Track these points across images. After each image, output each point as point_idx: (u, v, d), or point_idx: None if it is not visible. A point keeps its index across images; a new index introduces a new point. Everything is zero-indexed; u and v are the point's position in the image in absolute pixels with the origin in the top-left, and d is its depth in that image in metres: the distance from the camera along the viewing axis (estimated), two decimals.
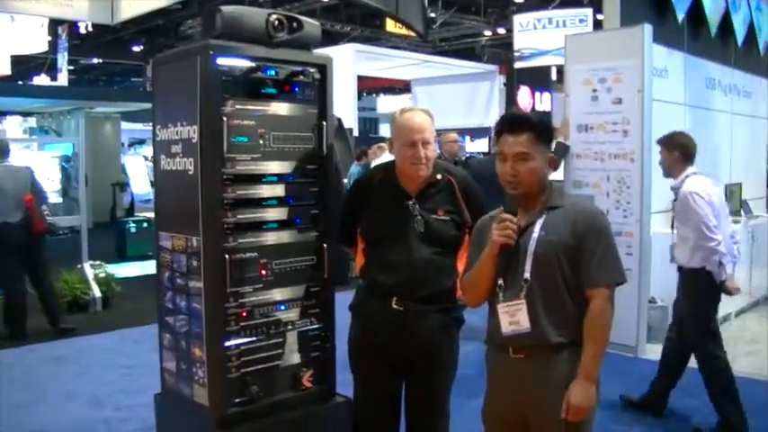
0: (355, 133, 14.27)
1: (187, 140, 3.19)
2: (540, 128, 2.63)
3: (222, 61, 3.13)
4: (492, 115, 16.88)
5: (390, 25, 18.29)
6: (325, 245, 3.49)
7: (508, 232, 2.58)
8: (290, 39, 3.33)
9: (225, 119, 3.12)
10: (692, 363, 4.76)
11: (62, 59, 20.16)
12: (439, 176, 3.25)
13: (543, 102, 19.42)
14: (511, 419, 2.69)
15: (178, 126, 3.24)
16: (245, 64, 3.22)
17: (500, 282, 2.65)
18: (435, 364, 3.23)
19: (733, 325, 7.17)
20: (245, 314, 3.25)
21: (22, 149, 10.11)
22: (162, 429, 3.59)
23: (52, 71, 21.38)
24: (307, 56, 3.43)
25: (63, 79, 20.32)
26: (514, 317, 2.58)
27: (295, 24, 3.37)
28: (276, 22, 3.29)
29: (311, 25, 3.45)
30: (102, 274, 8.33)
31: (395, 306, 3.14)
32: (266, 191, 3.32)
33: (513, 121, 2.65)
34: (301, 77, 3.39)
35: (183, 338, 3.34)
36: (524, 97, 19.33)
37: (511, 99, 19.05)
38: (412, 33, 14.49)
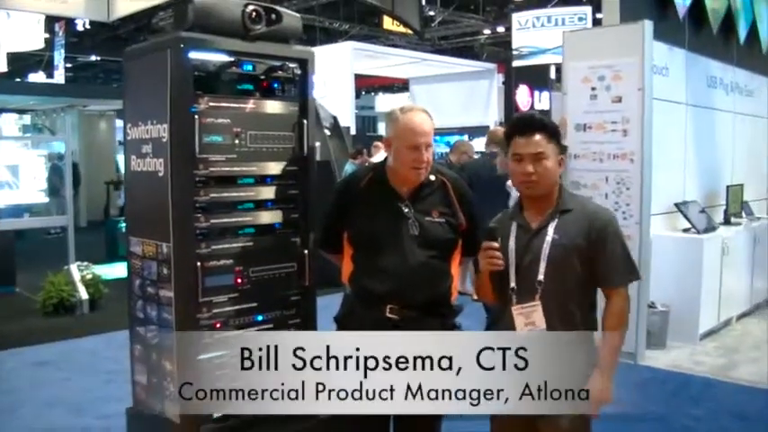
0: (353, 132, 14.05)
1: (157, 140, 2.98)
2: (551, 129, 2.68)
3: (194, 55, 2.92)
4: (490, 114, 16.68)
5: (388, 23, 18.08)
6: (306, 251, 3.28)
7: (494, 261, 2.63)
8: (268, 32, 3.11)
9: (197, 117, 2.90)
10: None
11: (59, 57, 19.89)
12: (432, 177, 3.05)
13: (542, 101, 19.20)
14: (519, 416, 2.63)
15: (148, 125, 3.03)
16: (219, 58, 3.00)
17: (513, 285, 2.66)
18: None
19: (735, 329, 6.96)
20: (218, 325, 3.04)
21: (20, 147, 9.84)
22: None
23: (50, 68, 21.15)
24: (286, 50, 3.21)
25: (60, 77, 20.04)
26: (530, 318, 2.63)
27: (273, 16, 3.14)
28: (253, 13, 3.06)
29: (291, 17, 3.23)
30: (90, 276, 8.09)
31: (389, 315, 2.91)
32: (242, 194, 3.11)
33: (525, 123, 2.69)
34: (280, 73, 3.17)
35: (154, 351, 3.13)
36: (523, 96, 19.09)
37: (509, 98, 18.84)
38: (410, 31, 14.28)
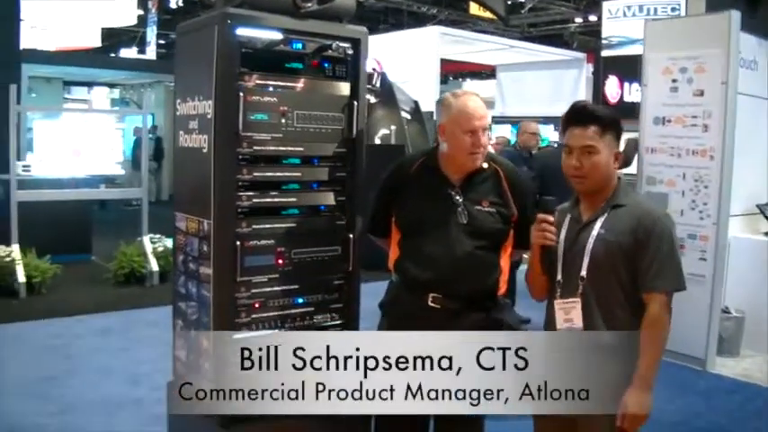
0: (436, 117, 13.93)
1: (203, 116, 2.95)
2: (606, 121, 2.54)
3: (242, 32, 2.87)
4: None
5: (474, 8, 17.83)
6: (351, 235, 3.21)
7: (546, 234, 2.57)
8: (319, 9, 3.03)
9: (242, 94, 2.86)
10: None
11: (151, 33, 20.40)
12: (485, 165, 2.97)
13: (632, 93, 18.62)
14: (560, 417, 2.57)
15: (195, 100, 3.01)
16: (267, 35, 2.95)
17: (559, 278, 2.61)
18: None
19: None
20: (257, 305, 3.01)
21: (100, 120, 10.13)
22: (171, 419, 3.40)
23: (142, 45, 21.71)
24: (338, 29, 3.12)
25: (151, 53, 20.56)
26: (569, 314, 2.57)
27: None
28: None
29: None
30: (161, 248, 8.26)
31: (431, 303, 2.87)
32: (287, 174, 3.06)
33: (579, 113, 2.58)
34: (331, 52, 3.10)
35: (193, 327, 3.13)
36: (612, 87, 18.56)
37: (598, 89, 18.35)
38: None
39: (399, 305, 2.99)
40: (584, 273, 2.53)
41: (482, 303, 2.92)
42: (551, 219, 2.58)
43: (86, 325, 6.46)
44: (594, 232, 2.54)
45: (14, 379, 5.02)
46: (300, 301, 3.13)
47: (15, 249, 7.50)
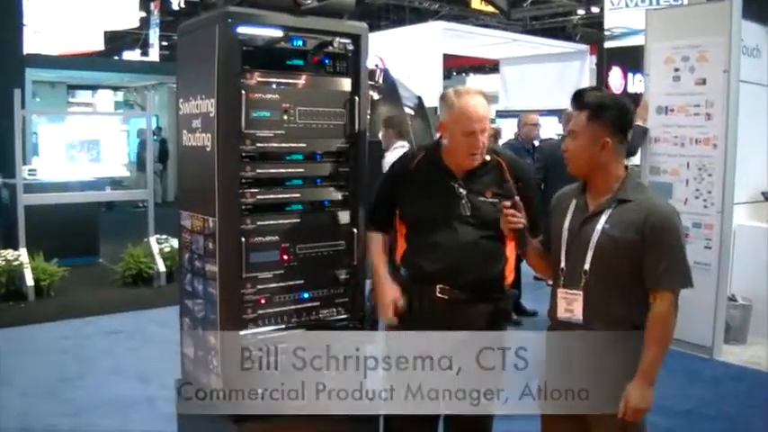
0: (439, 112, 13.90)
1: (206, 114, 2.98)
2: (593, 107, 2.53)
3: (243, 30, 2.89)
4: None
5: (476, 3, 17.82)
6: (355, 229, 3.24)
7: (510, 219, 2.64)
8: (319, 6, 3.06)
9: (244, 92, 2.89)
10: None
11: (153, 35, 20.44)
12: (488, 158, 3.00)
13: (635, 83, 18.57)
14: (568, 416, 2.61)
15: (198, 99, 3.04)
16: (268, 33, 2.97)
17: (563, 265, 2.62)
18: None
19: None
20: (263, 301, 3.04)
21: (105, 122, 10.19)
22: (181, 416, 3.43)
23: (145, 47, 21.75)
24: (338, 25, 3.15)
25: (154, 55, 20.60)
26: (571, 305, 2.58)
27: None
28: None
29: None
30: (168, 248, 8.30)
31: (438, 294, 2.92)
32: (290, 170, 3.08)
33: (575, 97, 2.61)
34: (332, 48, 3.12)
35: (200, 324, 3.16)
36: (616, 78, 18.51)
37: (601, 80, 18.32)
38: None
39: (407, 295, 3.00)
40: (587, 266, 2.54)
41: (489, 293, 2.96)
42: (509, 204, 2.64)
43: (96, 326, 6.50)
44: (599, 226, 2.52)
45: (28, 381, 5.07)
46: (306, 296, 3.15)
47: (23, 253, 7.55)
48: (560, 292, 2.62)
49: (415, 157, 3.12)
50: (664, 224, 2.48)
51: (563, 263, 2.63)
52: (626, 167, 2.64)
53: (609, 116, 2.53)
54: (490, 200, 2.94)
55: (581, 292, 2.55)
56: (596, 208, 2.57)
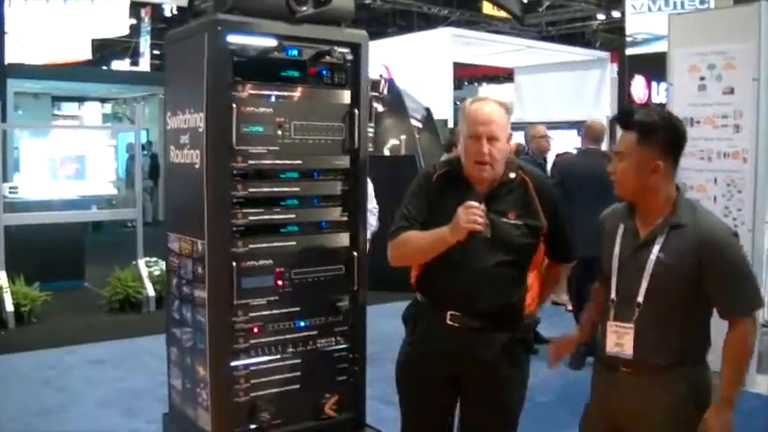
0: (451, 124, 13.87)
1: (194, 129, 3.00)
2: (643, 128, 2.49)
3: (234, 39, 2.91)
4: (601, 107, 16.21)
5: (488, 8, 17.87)
6: (356, 253, 3.23)
7: (476, 219, 2.63)
8: (315, 13, 3.07)
9: (235, 105, 2.89)
10: None
11: (144, 44, 20.54)
12: (512, 175, 2.93)
13: (660, 93, 18.58)
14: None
15: (186, 113, 3.06)
16: (261, 42, 2.98)
17: (613, 296, 2.60)
18: (495, 389, 2.90)
19: None
20: (256, 330, 3.03)
21: (91, 137, 10.23)
22: None
23: (135, 56, 21.86)
24: (336, 33, 3.17)
25: (145, 65, 20.69)
26: (621, 339, 2.56)
27: None
28: None
29: None
30: (158, 272, 8.29)
31: (449, 322, 2.85)
32: (285, 189, 3.09)
33: (621, 116, 2.60)
34: (329, 58, 3.13)
35: (189, 354, 3.16)
36: (639, 88, 18.52)
37: (623, 90, 18.33)
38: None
39: (419, 323, 2.97)
40: (640, 298, 2.51)
41: (505, 323, 2.89)
42: (478, 205, 2.65)
43: (79, 355, 6.48)
44: (653, 256, 2.49)
45: (6, 414, 5.04)
46: (303, 324, 3.16)
47: (2, 276, 7.54)
48: (611, 325, 2.58)
49: (435, 172, 3.02)
50: (721, 246, 2.45)
51: (613, 293, 2.59)
52: (677, 186, 2.60)
53: (660, 138, 2.49)
54: (514, 222, 2.87)
55: (632, 326, 2.53)
56: (648, 235, 2.53)
